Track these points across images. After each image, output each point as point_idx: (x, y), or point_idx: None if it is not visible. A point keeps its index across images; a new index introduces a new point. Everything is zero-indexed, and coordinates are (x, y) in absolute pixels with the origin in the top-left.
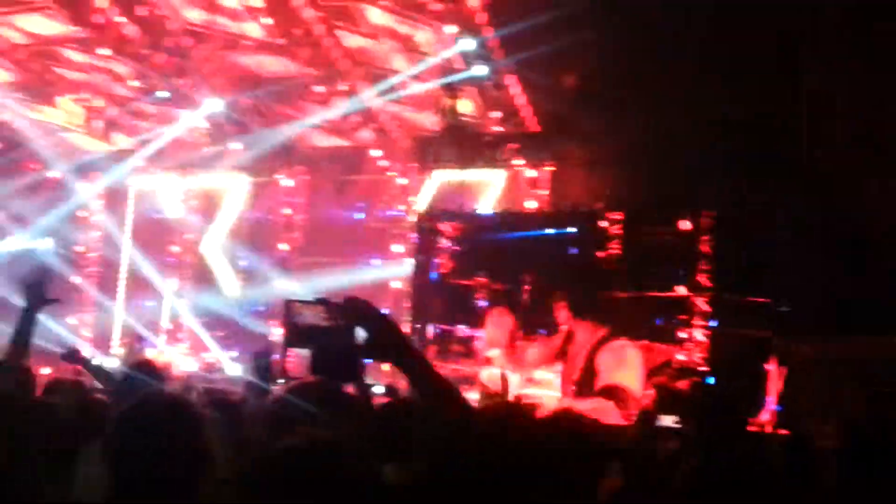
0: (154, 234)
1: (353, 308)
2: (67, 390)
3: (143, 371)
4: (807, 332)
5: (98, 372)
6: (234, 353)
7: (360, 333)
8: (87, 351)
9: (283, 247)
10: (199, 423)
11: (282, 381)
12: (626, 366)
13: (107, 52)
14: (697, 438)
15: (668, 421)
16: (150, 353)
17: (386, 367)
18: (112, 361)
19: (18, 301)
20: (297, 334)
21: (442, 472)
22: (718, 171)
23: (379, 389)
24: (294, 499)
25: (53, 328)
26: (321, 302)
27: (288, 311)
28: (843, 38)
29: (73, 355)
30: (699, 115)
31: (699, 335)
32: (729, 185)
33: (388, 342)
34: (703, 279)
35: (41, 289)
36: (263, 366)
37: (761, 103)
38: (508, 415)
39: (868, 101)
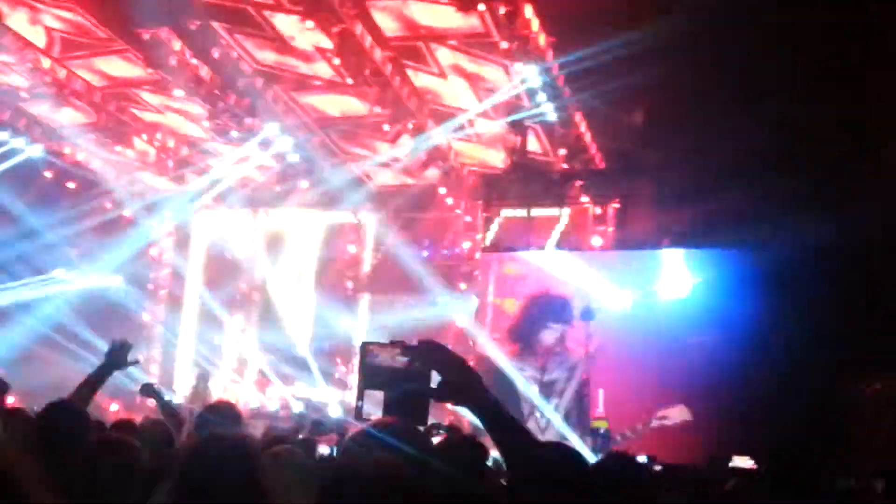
0: (222, 272)
1: (428, 351)
2: (153, 432)
3: (219, 412)
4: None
5: (166, 407)
6: (298, 391)
7: (435, 377)
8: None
9: (350, 284)
10: (259, 463)
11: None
12: None
13: (181, 93)
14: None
15: (741, 462)
16: (215, 390)
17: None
18: (177, 397)
19: (101, 353)
20: (373, 376)
21: None
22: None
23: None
24: None
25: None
26: (397, 344)
27: (364, 352)
28: None
29: (147, 389)
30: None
31: None
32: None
33: (462, 386)
34: None
35: (126, 353)
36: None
37: (828, 135)
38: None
39: None
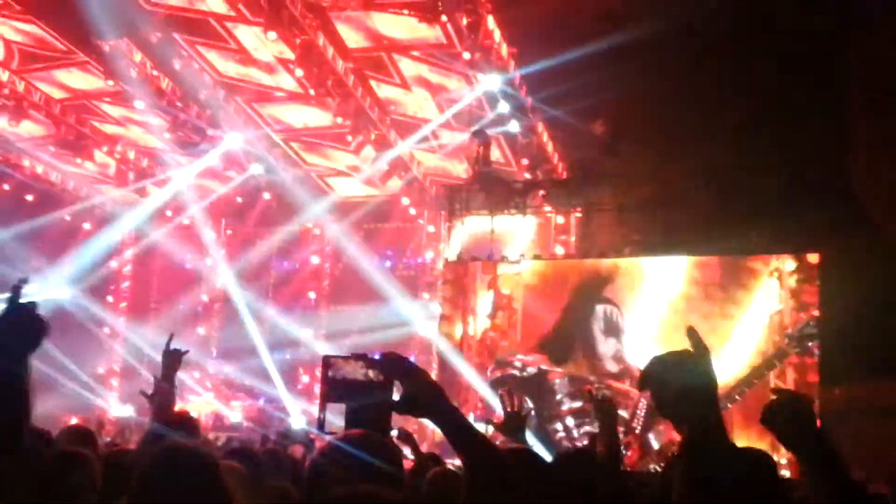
0: (183, 283)
1: (391, 363)
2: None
3: (177, 424)
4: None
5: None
6: (261, 402)
7: (397, 389)
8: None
9: (312, 294)
10: (218, 473)
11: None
12: None
13: (142, 105)
14: None
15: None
16: (177, 403)
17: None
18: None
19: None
20: (336, 389)
21: None
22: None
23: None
24: None
25: (84, 377)
26: (359, 357)
27: (326, 365)
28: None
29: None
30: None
31: None
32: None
33: (425, 397)
34: None
35: (180, 354)
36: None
37: (802, 147)
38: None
39: None
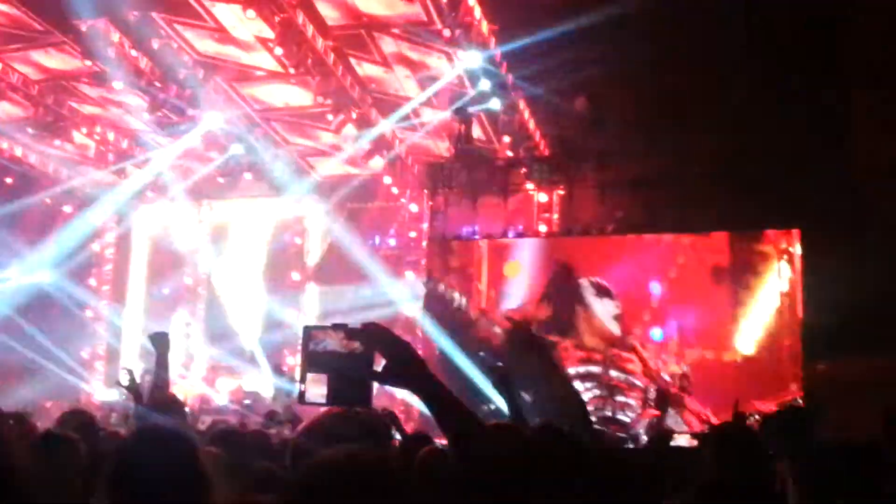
0: (165, 266)
1: (372, 333)
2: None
3: (162, 407)
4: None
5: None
6: (247, 384)
7: (379, 359)
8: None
9: (296, 275)
10: (195, 455)
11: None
12: None
13: (120, 85)
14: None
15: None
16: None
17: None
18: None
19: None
20: (316, 360)
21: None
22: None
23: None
24: None
25: (67, 361)
26: (340, 327)
27: (307, 336)
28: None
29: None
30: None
31: None
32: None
33: (406, 368)
34: None
35: (166, 337)
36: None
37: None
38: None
39: None
